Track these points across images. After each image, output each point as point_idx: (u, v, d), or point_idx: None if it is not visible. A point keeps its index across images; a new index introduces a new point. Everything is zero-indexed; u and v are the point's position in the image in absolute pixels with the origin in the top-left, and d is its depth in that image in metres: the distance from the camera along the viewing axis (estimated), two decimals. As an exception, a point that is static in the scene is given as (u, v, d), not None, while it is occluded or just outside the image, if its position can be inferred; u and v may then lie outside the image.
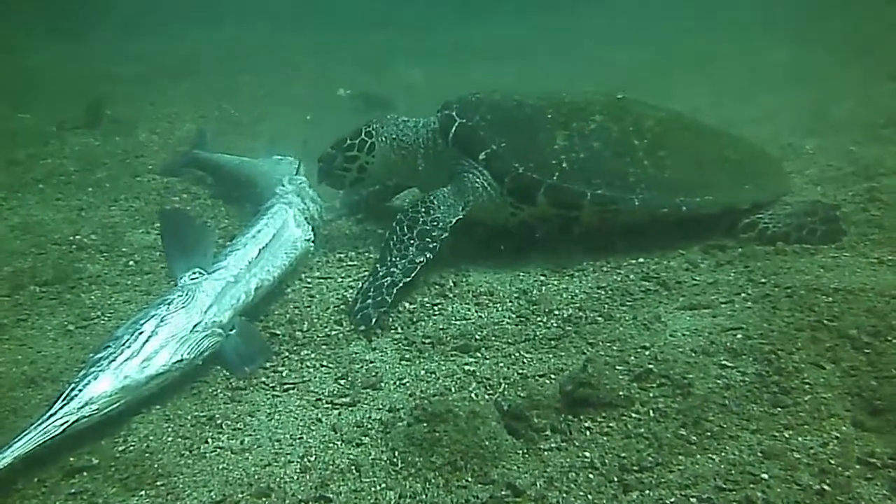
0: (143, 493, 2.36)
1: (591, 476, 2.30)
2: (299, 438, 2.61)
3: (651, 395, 2.63)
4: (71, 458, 2.51)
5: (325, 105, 8.53)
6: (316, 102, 8.65)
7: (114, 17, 13.06)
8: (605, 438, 2.45)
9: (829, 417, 2.43)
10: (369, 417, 2.70)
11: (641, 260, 3.79)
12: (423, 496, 2.26)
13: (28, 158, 5.98)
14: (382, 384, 2.92)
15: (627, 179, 3.81)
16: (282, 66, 10.87)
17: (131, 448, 2.58)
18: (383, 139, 4.26)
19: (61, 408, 2.53)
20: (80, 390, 2.59)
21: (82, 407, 2.56)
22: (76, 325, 3.51)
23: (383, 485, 2.34)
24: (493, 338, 3.18)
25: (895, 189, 4.23)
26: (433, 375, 2.94)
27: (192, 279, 3.28)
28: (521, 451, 2.44)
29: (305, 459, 2.48)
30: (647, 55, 10.76)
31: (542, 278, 3.72)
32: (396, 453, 2.46)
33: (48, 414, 2.50)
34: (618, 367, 2.79)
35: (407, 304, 3.54)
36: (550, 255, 3.92)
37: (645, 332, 3.07)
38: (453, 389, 2.81)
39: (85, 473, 2.46)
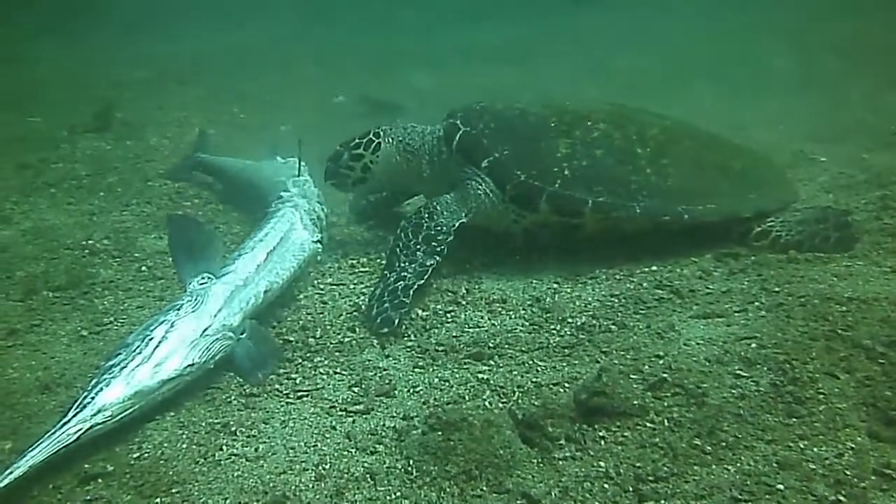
0: (158, 500, 2.36)
1: (606, 486, 2.29)
2: (314, 446, 2.61)
3: (665, 404, 2.62)
4: (86, 465, 2.51)
5: (325, 111, 8.50)
6: (315, 108, 8.63)
7: (117, 20, 13.13)
8: (619, 448, 2.45)
9: (844, 428, 2.42)
10: (383, 425, 2.70)
11: (654, 268, 3.79)
12: (439, 505, 2.26)
13: (39, 162, 5.99)
14: (396, 392, 2.91)
15: (629, 187, 3.83)
16: (286, 71, 10.88)
17: (146, 455, 2.59)
18: (390, 140, 4.29)
19: (74, 416, 2.53)
20: (93, 398, 2.59)
21: (95, 414, 2.56)
22: (90, 330, 3.52)
23: (398, 493, 2.34)
24: (507, 346, 3.17)
25: (908, 197, 4.23)
26: (447, 383, 2.94)
27: (201, 284, 3.29)
28: (535, 461, 2.44)
29: (320, 467, 2.48)
30: (650, 60, 10.70)
31: (555, 286, 3.72)
32: (411, 462, 2.46)
33: (61, 423, 2.51)
34: (632, 376, 2.78)
35: (420, 312, 3.54)
36: (563, 262, 3.92)
37: (659, 341, 3.06)
38: (467, 398, 2.81)
39: (100, 480, 2.46)
